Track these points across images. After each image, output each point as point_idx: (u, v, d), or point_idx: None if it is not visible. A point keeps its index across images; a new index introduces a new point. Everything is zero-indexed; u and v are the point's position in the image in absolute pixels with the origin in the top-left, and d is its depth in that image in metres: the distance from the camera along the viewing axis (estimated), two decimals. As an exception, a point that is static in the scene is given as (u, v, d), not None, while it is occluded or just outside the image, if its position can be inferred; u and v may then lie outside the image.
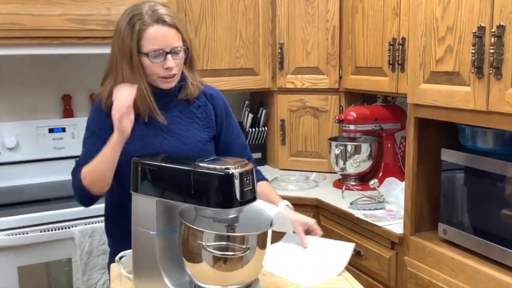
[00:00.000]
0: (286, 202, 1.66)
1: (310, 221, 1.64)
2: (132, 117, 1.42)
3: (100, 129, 1.56)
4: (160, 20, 1.49)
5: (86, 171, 1.51)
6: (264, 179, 1.78)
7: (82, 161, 1.55)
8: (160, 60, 1.50)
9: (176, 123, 1.62)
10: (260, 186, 1.71)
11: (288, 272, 1.47)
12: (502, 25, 1.40)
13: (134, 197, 1.36)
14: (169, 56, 1.50)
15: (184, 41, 1.55)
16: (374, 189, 2.21)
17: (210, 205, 1.24)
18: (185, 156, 1.50)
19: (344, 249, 1.58)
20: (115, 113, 1.39)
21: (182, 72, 1.61)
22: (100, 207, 2.10)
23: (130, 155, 1.40)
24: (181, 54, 1.55)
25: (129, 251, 1.47)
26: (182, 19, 1.60)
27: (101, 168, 1.49)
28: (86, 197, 1.54)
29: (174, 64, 1.52)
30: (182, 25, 1.56)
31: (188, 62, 1.63)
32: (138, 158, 1.37)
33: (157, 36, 1.49)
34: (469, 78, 1.53)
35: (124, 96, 1.40)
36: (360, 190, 2.29)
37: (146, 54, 1.49)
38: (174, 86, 1.59)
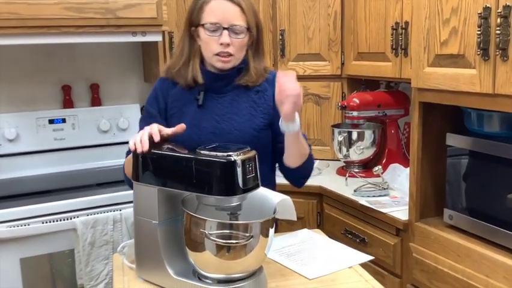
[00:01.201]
0: None
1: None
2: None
3: (152, 106, 1.59)
4: None
5: (127, 159, 1.52)
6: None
7: None
8: (216, 34, 1.49)
9: (231, 107, 1.57)
10: None
11: (293, 263, 1.45)
12: (508, 5, 1.37)
13: (135, 186, 1.35)
14: (225, 31, 1.49)
15: (249, 25, 1.52)
16: (378, 176, 2.19)
17: (212, 193, 1.22)
18: (189, 144, 1.48)
19: (357, 257, 1.50)
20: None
21: (245, 58, 1.57)
22: (100, 197, 2.12)
23: (181, 139, 1.38)
24: (242, 35, 1.51)
25: (131, 241, 1.46)
26: (254, 4, 1.57)
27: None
28: (129, 183, 1.53)
29: (229, 41, 1.49)
30: (250, 8, 1.53)
31: (255, 47, 1.59)
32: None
33: (216, 9, 1.49)
34: (475, 61, 1.50)
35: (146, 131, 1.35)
36: (364, 177, 2.27)
37: (203, 25, 1.50)
38: (232, 69, 1.55)
